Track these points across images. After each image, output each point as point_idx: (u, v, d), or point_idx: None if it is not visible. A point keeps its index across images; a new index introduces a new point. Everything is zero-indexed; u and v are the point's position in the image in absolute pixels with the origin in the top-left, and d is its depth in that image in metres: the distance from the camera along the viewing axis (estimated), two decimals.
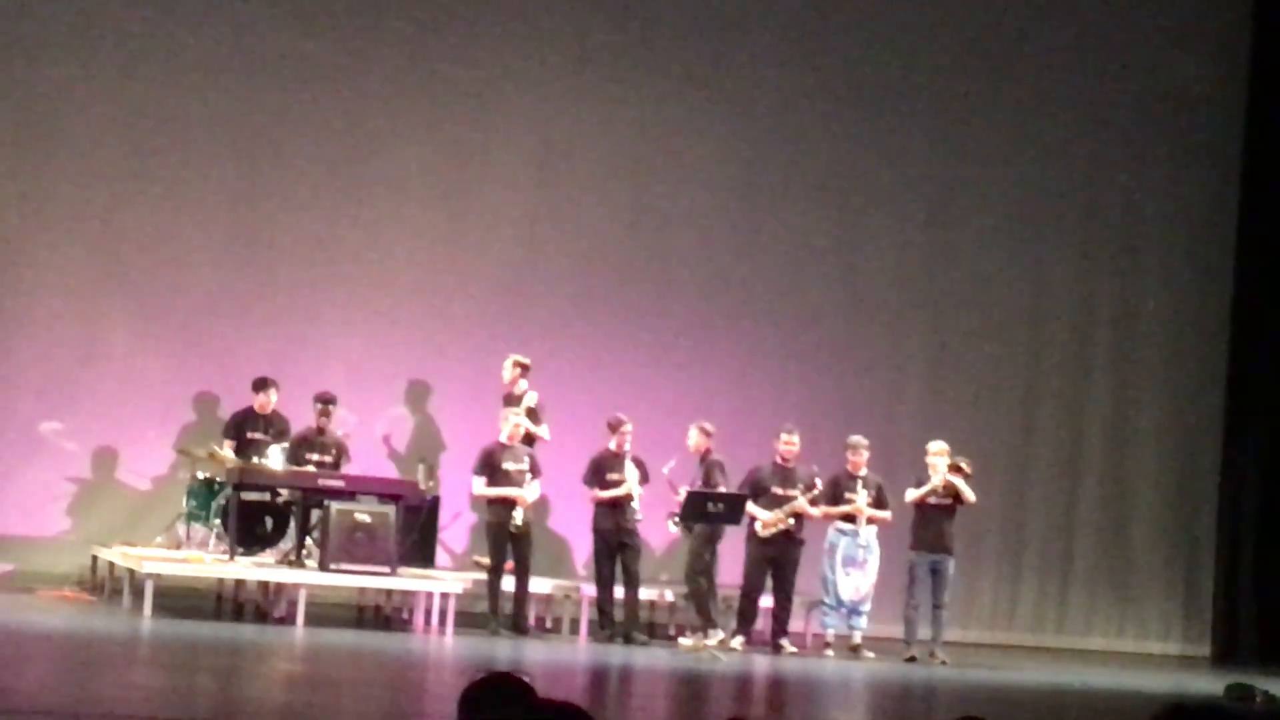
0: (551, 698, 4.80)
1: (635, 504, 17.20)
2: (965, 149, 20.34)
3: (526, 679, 4.90)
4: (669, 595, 17.99)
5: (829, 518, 17.63)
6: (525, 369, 17.77)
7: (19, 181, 18.31)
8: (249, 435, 17.46)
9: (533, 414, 17.57)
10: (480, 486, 17.15)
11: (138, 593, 16.38)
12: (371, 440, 18.65)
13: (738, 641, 17.25)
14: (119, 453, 18.30)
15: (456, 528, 18.70)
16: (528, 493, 17.12)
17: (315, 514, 17.05)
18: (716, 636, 16.90)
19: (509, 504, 17.02)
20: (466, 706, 4.82)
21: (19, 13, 18.25)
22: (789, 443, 17.46)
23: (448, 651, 16.30)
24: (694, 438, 17.38)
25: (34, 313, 18.24)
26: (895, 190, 20.21)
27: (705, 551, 17.19)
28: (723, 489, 17.18)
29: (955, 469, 17.61)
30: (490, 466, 17.11)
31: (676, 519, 17.25)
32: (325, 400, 17.43)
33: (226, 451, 17.21)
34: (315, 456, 17.28)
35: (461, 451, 17.97)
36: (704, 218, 19.75)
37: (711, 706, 14.25)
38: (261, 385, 17.60)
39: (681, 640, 17.14)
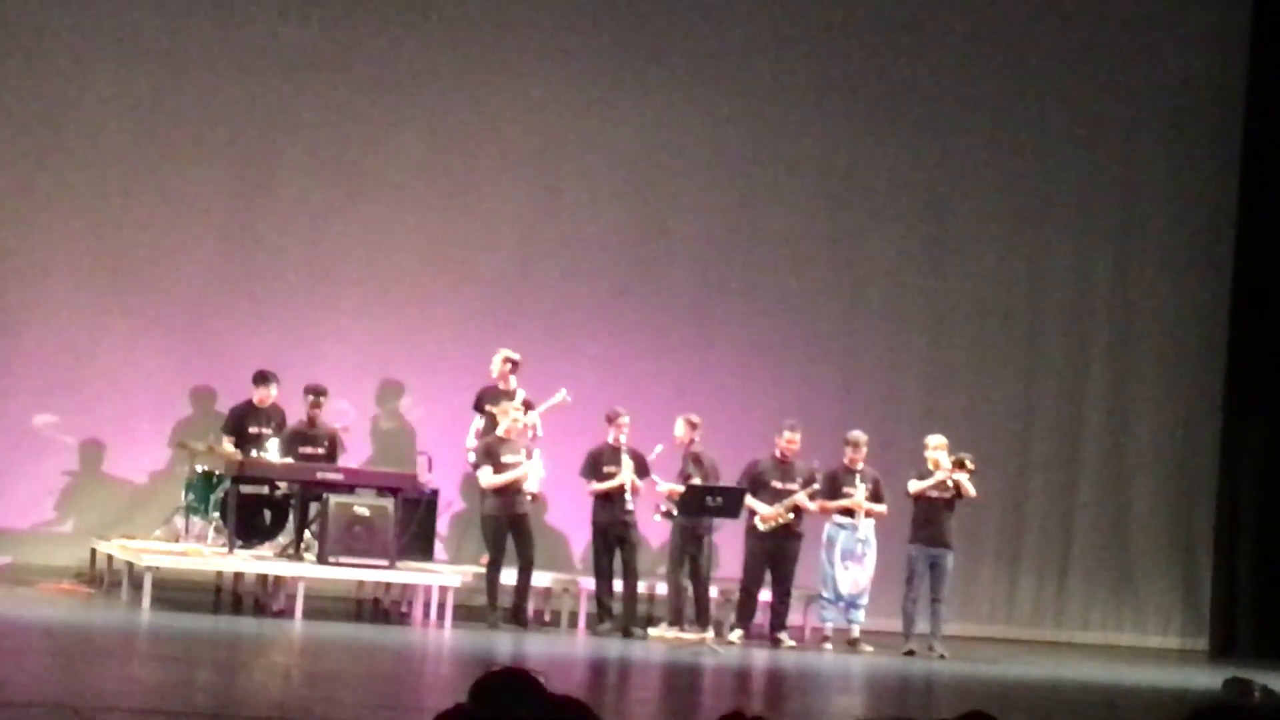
0: (563, 694, 4.80)
1: (628, 495, 17.17)
2: (963, 141, 20.32)
3: (541, 678, 4.90)
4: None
5: (827, 512, 17.64)
6: (515, 365, 17.73)
7: (15, 175, 18.28)
8: (250, 429, 17.41)
9: (529, 406, 17.57)
10: (489, 476, 17.07)
11: (136, 586, 16.38)
12: (368, 433, 18.64)
13: (736, 635, 17.26)
14: (116, 446, 18.27)
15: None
16: (533, 469, 17.10)
17: (314, 507, 17.04)
18: (689, 634, 16.76)
19: (510, 496, 17.01)
20: (477, 697, 4.83)
21: (18, 5, 18.23)
22: (791, 440, 17.44)
23: (446, 645, 16.30)
24: (680, 429, 17.36)
25: (30, 306, 18.21)
26: (893, 183, 20.20)
27: (685, 548, 17.10)
28: (696, 481, 17.11)
29: (960, 465, 17.60)
30: (492, 458, 17.07)
31: (661, 510, 17.22)
32: (316, 392, 17.41)
33: (226, 446, 17.19)
34: (308, 449, 17.26)
35: (459, 446, 17.92)
36: (702, 212, 19.74)
37: (710, 700, 14.24)
38: (262, 379, 17.55)
39: (651, 630, 17.10)
